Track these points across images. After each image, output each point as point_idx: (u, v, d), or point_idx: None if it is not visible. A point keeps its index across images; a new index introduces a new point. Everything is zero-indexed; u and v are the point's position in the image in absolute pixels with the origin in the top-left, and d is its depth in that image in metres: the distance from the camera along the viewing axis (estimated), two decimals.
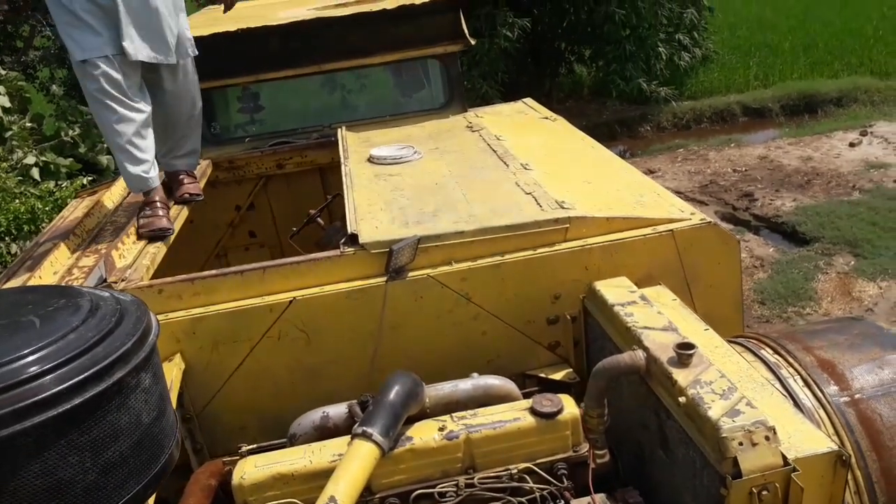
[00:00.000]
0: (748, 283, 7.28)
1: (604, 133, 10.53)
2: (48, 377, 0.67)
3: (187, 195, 3.17)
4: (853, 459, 1.85)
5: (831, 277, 7.19)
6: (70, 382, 0.67)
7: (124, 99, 2.73)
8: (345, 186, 2.93)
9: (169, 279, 2.41)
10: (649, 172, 9.71)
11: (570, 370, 2.59)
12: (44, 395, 0.66)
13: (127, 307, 0.80)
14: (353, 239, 2.46)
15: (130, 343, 0.74)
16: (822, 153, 9.57)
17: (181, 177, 3.19)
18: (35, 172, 6.58)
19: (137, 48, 2.74)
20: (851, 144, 9.66)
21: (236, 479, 1.87)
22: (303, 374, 2.48)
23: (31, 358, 0.68)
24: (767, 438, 1.63)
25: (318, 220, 3.24)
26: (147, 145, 2.86)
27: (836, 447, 1.66)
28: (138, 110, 2.79)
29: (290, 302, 2.39)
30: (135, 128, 2.78)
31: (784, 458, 1.62)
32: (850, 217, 7.89)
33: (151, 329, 0.78)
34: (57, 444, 0.66)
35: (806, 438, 1.70)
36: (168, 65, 2.91)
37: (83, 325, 0.74)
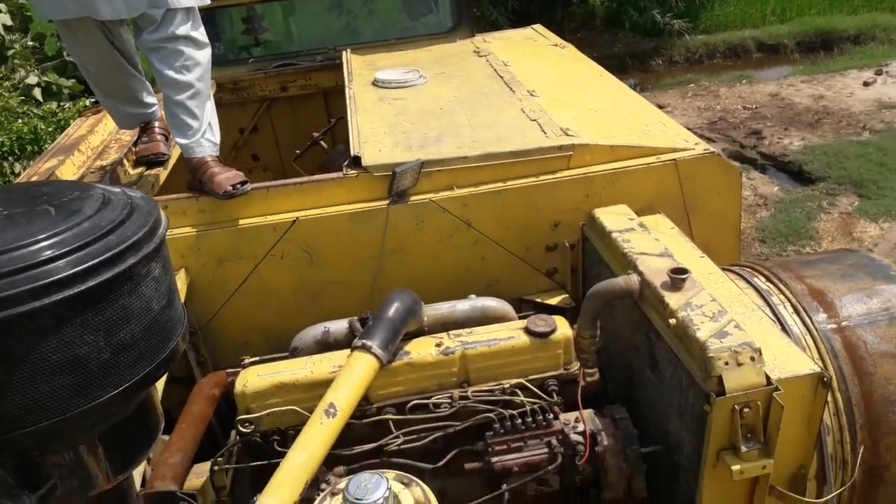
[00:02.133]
0: (750, 221, 7.30)
1: (615, 66, 10.33)
2: (64, 260, 0.71)
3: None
4: (835, 383, 1.92)
5: (833, 217, 7.19)
6: (85, 266, 0.71)
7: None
8: (349, 110, 2.93)
9: (174, 196, 2.45)
10: (659, 108, 9.59)
11: (566, 296, 2.65)
12: (60, 276, 0.70)
13: (137, 202, 0.84)
14: (356, 161, 2.48)
15: (142, 233, 0.78)
16: (834, 92, 9.42)
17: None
18: (37, 93, 6.54)
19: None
20: (865, 84, 9.49)
21: (239, 387, 1.95)
22: (305, 293, 2.54)
23: (48, 242, 0.72)
24: (752, 359, 1.69)
25: (322, 143, 3.24)
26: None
27: (817, 369, 1.72)
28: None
29: (294, 222, 2.43)
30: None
31: (767, 378, 1.69)
32: (857, 157, 7.83)
33: (161, 222, 0.82)
34: (73, 322, 0.71)
35: (790, 360, 1.76)
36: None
37: (96, 215, 0.78)
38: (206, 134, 2.47)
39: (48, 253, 0.71)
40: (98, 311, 0.72)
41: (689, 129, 2.64)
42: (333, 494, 1.36)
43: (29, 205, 0.79)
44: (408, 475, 1.40)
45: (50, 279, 0.69)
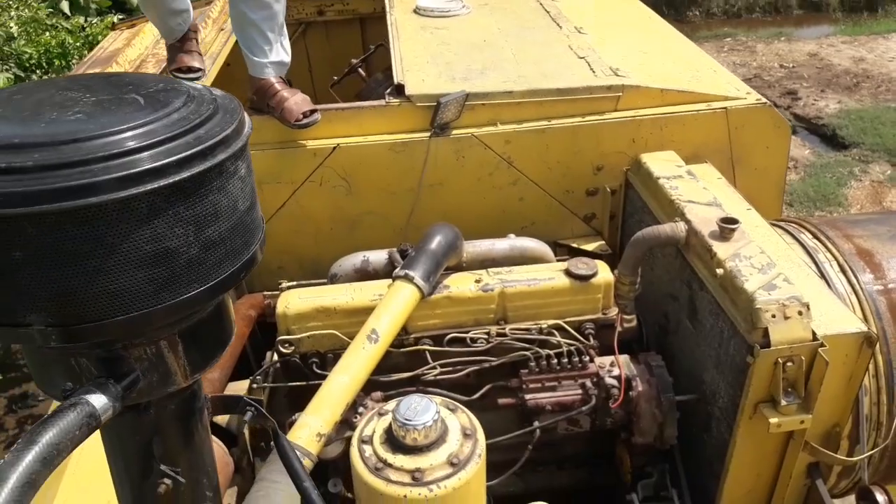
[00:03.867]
0: None
1: None
2: (157, 150, 0.69)
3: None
4: (877, 345, 1.90)
5: (864, 185, 7.07)
6: (178, 157, 0.70)
7: None
8: (390, 36, 2.86)
9: None
10: None
11: (603, 242, 2.62)
12: (155, 165, 0.68)
13: (222, 100, 0.82)
14: (399, 90, 2.43)
15: (230, 129, 0.75)
16: (876, 55, 9.15)
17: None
18: (65, 6, 6.43)
19: None
20: None
21: (281, 308, 1.95)
22: (342, 221, 2.52)
23: (140, 131, 0.70)
24: (800, 313, 1.67)
25: (360, 70, 3.18)
26: None
27: (864, 328, 1.70)
28: None
29: (334, 148, 2.40)
30: None
31: (813, 333, 1.67)
32: (894, 124, 7.65)
33: (246, 122, 0.80)
34: (165, 214, 0.69)
35: (837, 318, 1.74)
36: None
37: (184, 107, 0.75)
38: (278, 54, 2.40)
39: (141, 142, 0.69)
40: (189, 204, 0.71)
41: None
42: (381, 415, 1.37)
43: (115, 93, 0.76)
44: (453, 401, 1.40)
45: (144, 167, 0.67)
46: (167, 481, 0.87)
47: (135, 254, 0.69)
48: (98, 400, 0.74)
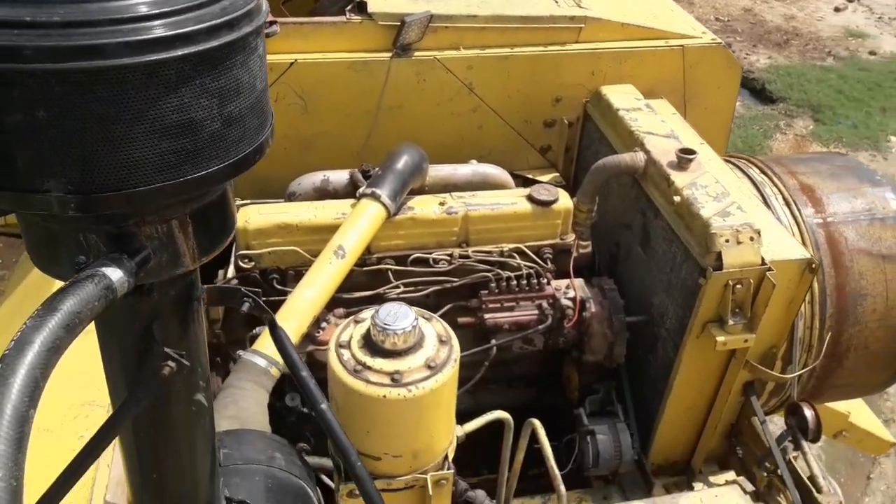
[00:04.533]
0: None
1: None
2: (187, 15, 0.67)
3: None
4: None
5: (788, 138, 7.39)
6: (208, 24, 0.68)
7: None
8: None
9: None
10: None
11: (557, 174, 2.67)
12: (185, 31, 0.66)
13: None
14: (360, 7, 2.37)
15: (251, 5, 0.74)
16: (806, 13, 9.45)
17: None
18: None
19: None
20: (837, 9, 9.54)
21: (240, 223, 1.92)
22: (297, 141, 2.47)
23: None
24: (752, 239, 1.77)
25: None
26: None
27: (808, 255, 1.82)
28: None
29: (291, 64, 2.33)
30: None
31: (762, 258, 1.77)
32: (819, 82, 7.98)
33: (264, 1, 0.78)
34: (192, 83, 0.68)
35: (783, 245, 1.85)
36: None
37: None
38: None
39: (169, 7, 0.67)
40: (215, 76, 0.70)
41: None
42: (357, 322, 1.38)
43: None
44: (428, 312, 1.43)
45: (176, 31, 0.65)
46: (171, 363, 0.87)
47: (161, 122, 0.68)
48: (114, 273, 0.73)
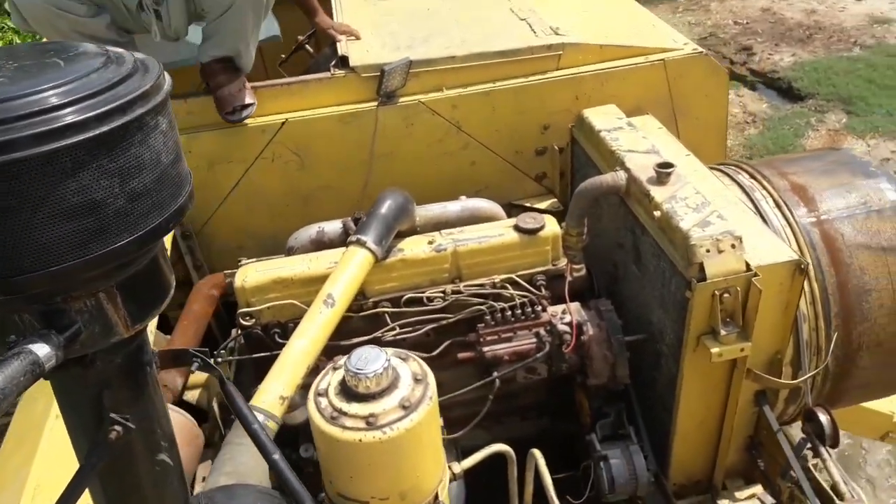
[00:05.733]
0: (738, 139, 7.32)
1: None
2: (77, 106, 0.74)
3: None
4: (812, 273, 1.99)
5: (821, 134, 7.22)
6: (98, 111, 0.74)
7: None
8: (334, 10, 2.89)
9: None
10: None
11: (555, 200, 2.70)
12: (76, 120, 0.73)
13: (142, 61, 0.86)
14: (343, 61, 2.47)
15: (148, 86, 0.80)
16: (826, 6, 9.28)
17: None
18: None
19: None
20: None
21: (238, 281, 2.00)
22: (296, 196, 2.56)
23: (60, 90, 0.74)
24: (733, 247, 1.75)
25: (307, 47, 3.20)
26: None
27: (795, 257, 1.79)
28: None
29: (283, 123, 2.43)
30: None
31: (747, 264, 1.75)
32: (847, 73, 7.80)
33: (166, 79, 0.84)
34: (90, 167, 0.74)
35: (769, 249, 1.82)
36: None
37: (104, 68, 0.80)
38: (221, 42, 2.37)
39: (62, 99, 0.74)
40: (112, 157, 0.76)
41: None
42: (335, 369, 1.43)
43: (38, 58, 0.81)
44: (405, 351, 1.47)
45: (66, 122, 0.72)
46: (117, 428, 0.93)
47: (62, 205, 0.74)
48: (41, 349, 0.79)
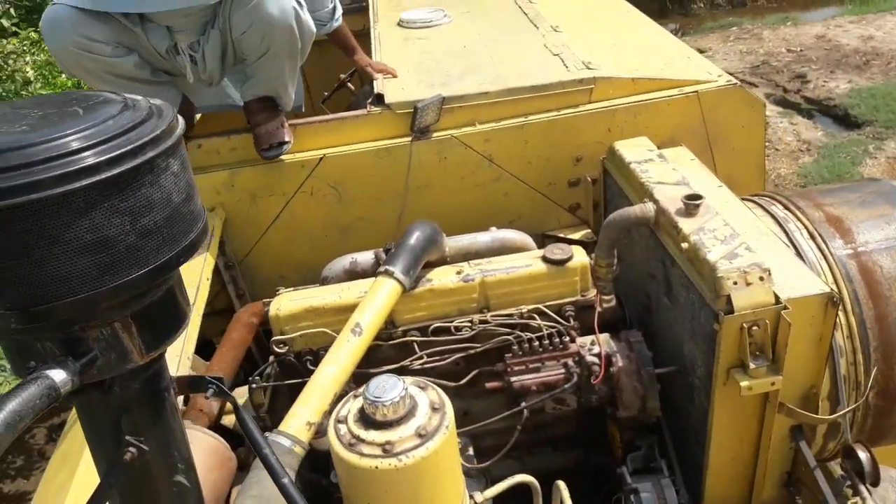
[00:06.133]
0: (792, 167, 7.16)
1: (654, 10, 10.09)
2: (91, 151, 0.80)
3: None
4: (849, 306, 1.94)
5: (880, 162, 7.01)
6: (110, 155, 0.80)
7: None
8: (373, 49, 2.98)
9: (205, 135, 2.55)
10: (699, 52, 9.41)
11: (589, 231, 2.70)
12: (88, 164, 0.79)
13: (157, 107, 0.93)
14: (379, 99, 2.55)
15: (160, 131, 0.86)
16: (884, 32, 9.06)
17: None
18: None
19: None
20: None
21: (273, 310, 2.07)
22: (335, 228, 2.64)
23: (77, 136, 0.81)
24: (762, 279, 1.73)
25: (349, 85, 3.31)
26: None
27: (827, 289, 1.75)
28: None
29: (321, 159, 2.52)
30: None
31: (776, 296, 1.72)
32: None
33: (178, 124, 0.90)
34: (101, 207, 0.80)
35: (800, 281, 1.79)
36: None
37: (120, 115, 0.87)
38: (260, 82, 2.46)
39: (77, 144, 0.80)
40: (123, 197, 0.81)
41: (730, 74, 2.63)
42: (356, 396, 1.46)
43: (60, 108, 0.88)
44: (425, 380, 1.49)
45: (79, 166, 0.78)
46: (132, 449, 0.98)
47: (77, 242, 0.80)
48: (57, 375, 0.85)
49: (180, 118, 0.94)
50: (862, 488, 1.84)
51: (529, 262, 2.11)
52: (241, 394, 2.21)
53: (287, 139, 2.47)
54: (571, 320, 2.09)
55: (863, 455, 1.85)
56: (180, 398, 1.97)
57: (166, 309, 0.98)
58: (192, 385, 1.16)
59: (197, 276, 2.25)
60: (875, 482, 1.84)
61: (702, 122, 2.54)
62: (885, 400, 1.98)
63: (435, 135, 2.51)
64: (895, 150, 7.09)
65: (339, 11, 2.79)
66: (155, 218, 0.87)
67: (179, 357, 1.97)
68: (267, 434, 1.76)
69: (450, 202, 2.59)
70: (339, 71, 3.38)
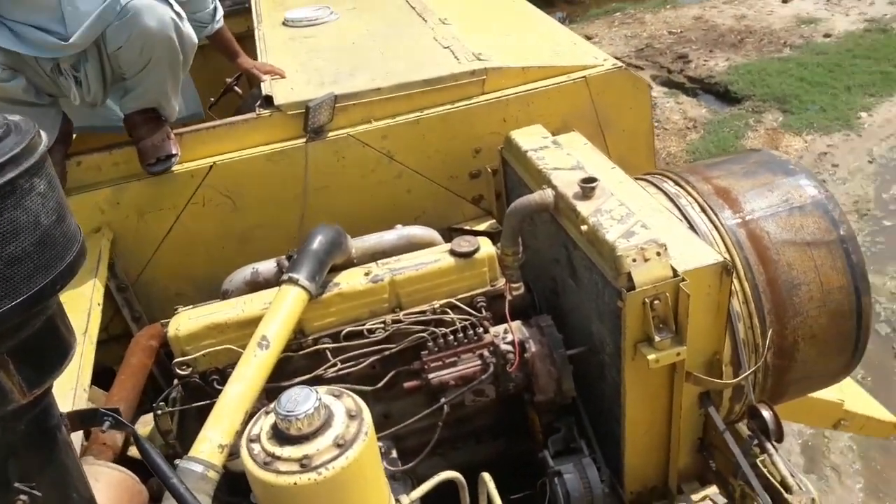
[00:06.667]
0: (681, 145, 7.48)
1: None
2: None
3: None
4: (742, 273, 2.04)
5: (760, 134, 7.43)
6: None
7: None
8: (258, 51, 2.90)
9: (85, 151, 2.40)
10: (586, 38, 9.67)
11: (494, 221, 2.72)
12: None
13: (15, 123, 0.85)
14: (268, 101, 2.47)
15: (19, 149, 0.79)
16: (755, 10, 9.60)
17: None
18: None
19: None
20: (784, 1, 9.69)
21: (172, 331, 1.97)
22: (232, 238, 2.54)
23: None
24: (658, 254, 1.78)
25: (236, 88, 3.21)
26: None
27: (721, 258, 1.83)
28: None
29: (211, 167, 2.42)
30: None
31: (674, 270, 1.78)
32: (779, 74, 8.06)
33: (41, 140, 0.83)
34: None
35: (695, 253, 1.86)
36: None
37: None
38: (142, 94, 2.36)
39: None
40: None
41: (616, 58, 2.69)
42: (267, 413, 1.41)
43: None
44: (339, 388, 1.45)
45: None
46: (23, 497, 0.90)
47: None
48: None
49: (43, 133, 0.87)
50: (768, 445, 1.94)
51: (438, 256, 2.10)
52: (147, 422, 2.10)
53: (174, 151, 2.36)
54: (483, 311, 2.10)
55: (766, 414, 1.94)
56: (79, 434, 1.85)
57: (47, 341, 0.90)
58: (85, 419, 1.08)
59: (86, 301, 2.12)
60: (779, 438, 1.94)
61: (591, 106, 2.60)
62: (781, 359, 2.09)
63: (330, 134, 2.46)
64: (772, 122, 7.54)
65: (221, 13, 2.69)
66: (23, 244, 0.80)
67: (74, 390, 1.85)
68: (177, 461, 1.68)
69: (352, 202, 2.55)
70: (224, 75, 3.27)
